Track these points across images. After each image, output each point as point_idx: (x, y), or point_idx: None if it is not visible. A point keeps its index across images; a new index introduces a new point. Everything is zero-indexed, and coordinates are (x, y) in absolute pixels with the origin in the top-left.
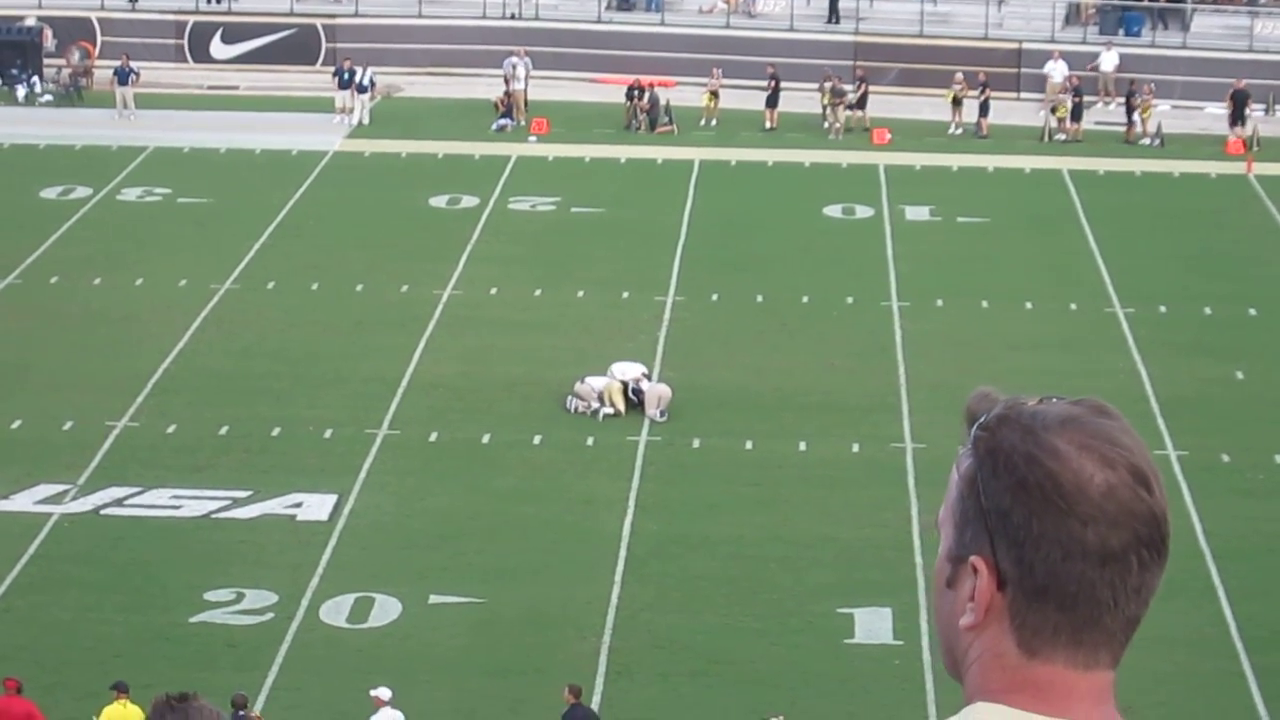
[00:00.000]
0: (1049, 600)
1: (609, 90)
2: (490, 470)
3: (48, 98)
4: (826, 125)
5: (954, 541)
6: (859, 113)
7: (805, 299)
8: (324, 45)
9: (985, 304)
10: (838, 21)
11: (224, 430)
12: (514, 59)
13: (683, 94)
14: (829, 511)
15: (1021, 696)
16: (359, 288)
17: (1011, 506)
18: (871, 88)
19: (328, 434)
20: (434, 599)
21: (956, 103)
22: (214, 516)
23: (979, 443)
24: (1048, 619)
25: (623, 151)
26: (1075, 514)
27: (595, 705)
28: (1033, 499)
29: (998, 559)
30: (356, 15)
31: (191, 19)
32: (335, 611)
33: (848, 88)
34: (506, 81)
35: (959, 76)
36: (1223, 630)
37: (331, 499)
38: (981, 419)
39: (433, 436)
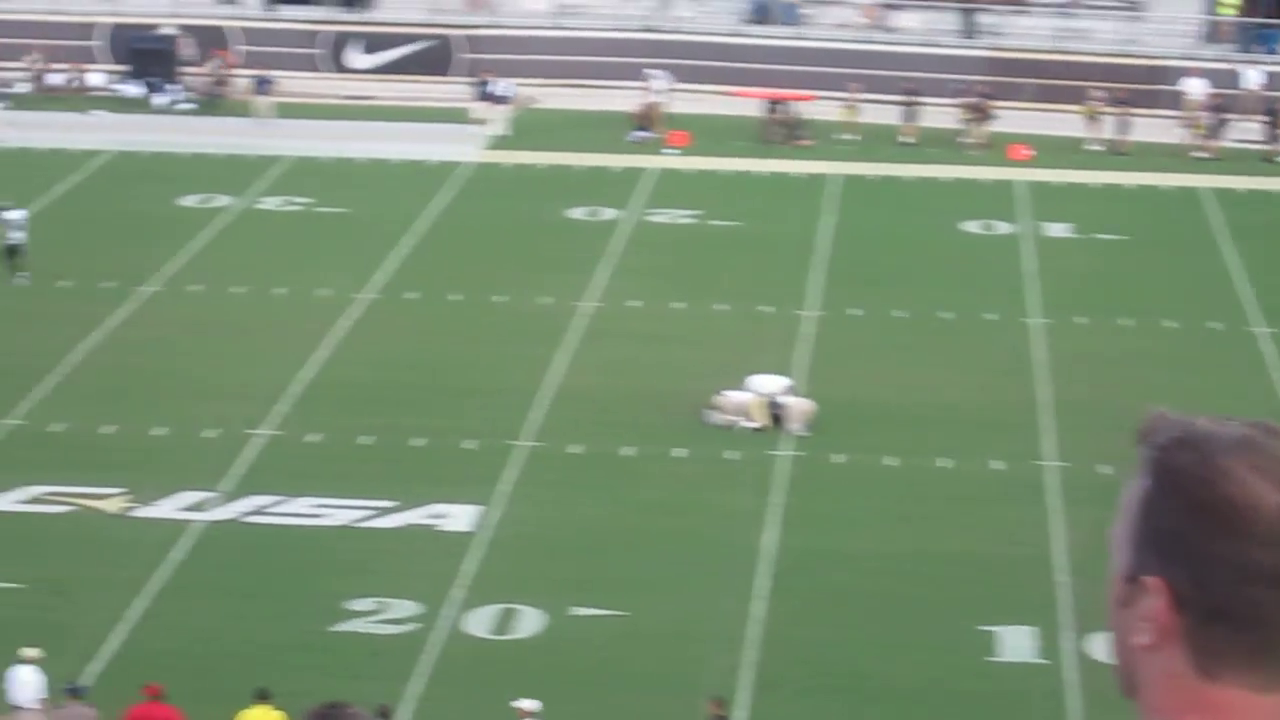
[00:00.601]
0: (1223, 623)
1: (746, 103)
2: (631, 483)
3: (186, 106)
4: (964, 140)
5: (1127, 561)
6: (985, 128)
7: (945, 315)
8: (461, 56)
9: (1126, 321)
10: (974, 36)
11: (366, 440)
12: (654, 71)
13: (821, 108)
14: (971, 528)
15: (1198, 718)
16: (498, 299)
17: (1184, 528)
18: (1008, 103)
19: (469, 445)
20: (577, 611)
21: (1094, 119)
22: (357, 526)
23: (1152, 464)
24: (1223, 641)
25: (761, 165)
26: (1248, 537)
27: None
28: (1206, 521)
29: (1171, 580)
30: (494, 27)
31: (330, 29)
32: (478, 622)
33: (986, 103)
34: (647, 94)
35: (1096, 93)
36: None
37: (474, 510)
38: (1155, 440)
39: (574, 448)
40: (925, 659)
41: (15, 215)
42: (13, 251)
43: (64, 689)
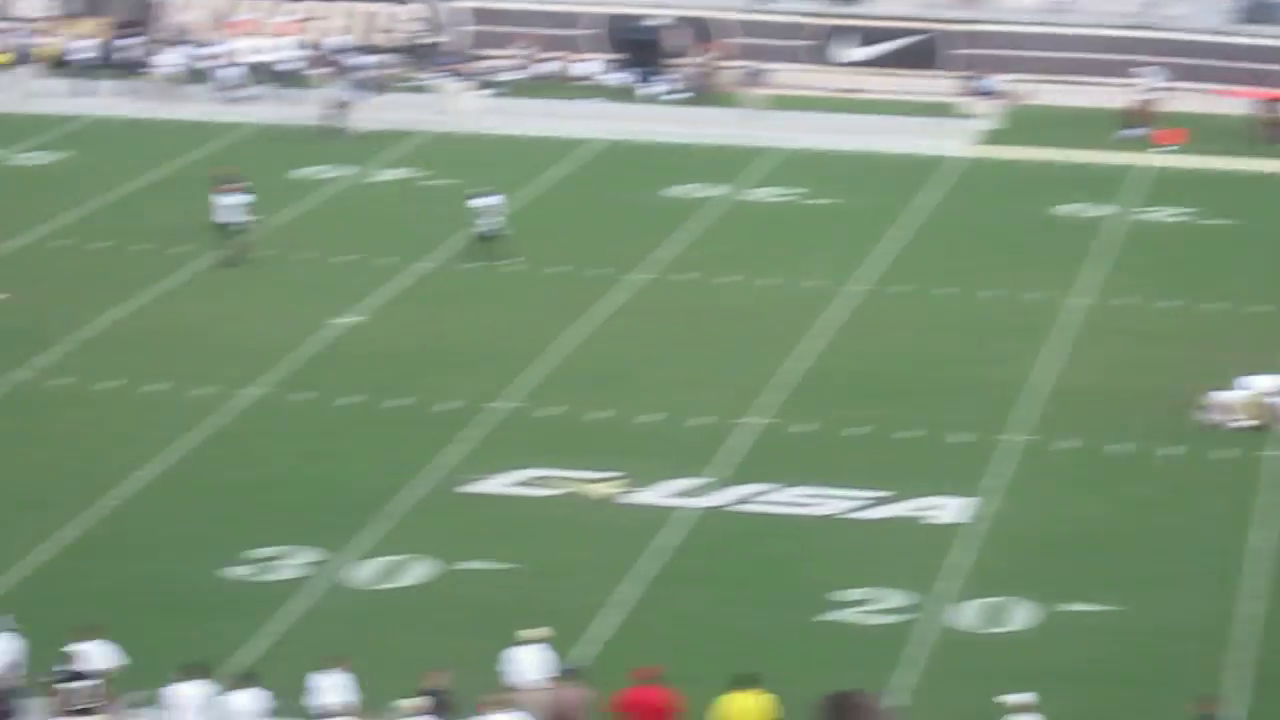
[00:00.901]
0: None
1: (1238, 103)
2: (1124, 479)
3: (678, 95)
4: None
5: None
6: None
7: None
8: (948, 51)
9: None
10: None
11: (858, 430)
12: (1147, 69)
13: None
14: None
15: None
16: (985, 294)
17: None
18: None
19: (959, 438)
20: (1068, 606)
21: None
22: (849, 516)
23: None
24: None
25: (1256, 165)
26: None
27: None
28: None
29: None
30: (984, 22)
31: (817, 22)
32: (967, 615)
33: None
34: (1138, 91)
35: None
36: None
37: (966, 503)
38: None
39: (1064, 444)
40: None
41: (487, 201)
42: (485, 238)
43: (558, 670)
